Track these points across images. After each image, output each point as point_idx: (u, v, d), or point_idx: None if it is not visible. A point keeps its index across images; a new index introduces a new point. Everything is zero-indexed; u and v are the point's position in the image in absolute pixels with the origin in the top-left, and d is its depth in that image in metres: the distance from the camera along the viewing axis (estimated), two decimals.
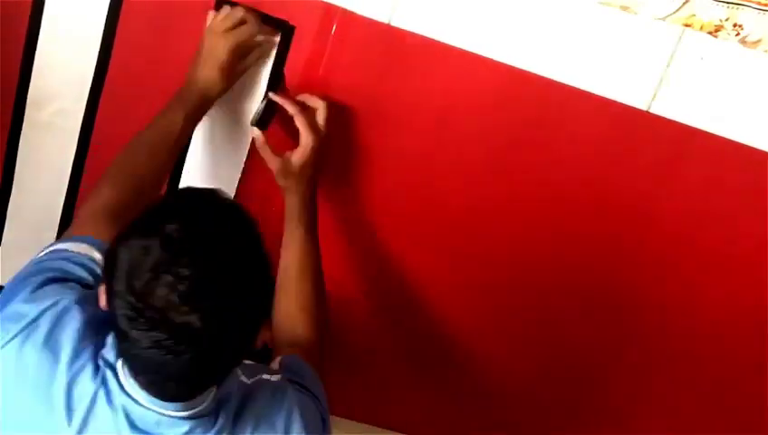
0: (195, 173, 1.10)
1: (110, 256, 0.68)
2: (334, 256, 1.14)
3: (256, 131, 1.01)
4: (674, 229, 1.11)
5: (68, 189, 1.10)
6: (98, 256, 0.80)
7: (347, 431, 1.28)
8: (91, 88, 1.03)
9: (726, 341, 1.18)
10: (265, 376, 0.83)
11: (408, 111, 1.06)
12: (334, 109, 1.02)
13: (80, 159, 1.08)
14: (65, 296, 0.75)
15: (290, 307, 0.99)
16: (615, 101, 1.03)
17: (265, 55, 1.01)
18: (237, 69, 0.99)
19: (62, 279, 0.78)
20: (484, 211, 1.12)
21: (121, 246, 0.66)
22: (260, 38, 1.00)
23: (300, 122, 0.99)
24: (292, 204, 1.01)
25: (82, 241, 0.83)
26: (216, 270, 0.65)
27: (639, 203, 1.10)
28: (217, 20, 0.97)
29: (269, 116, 1.03)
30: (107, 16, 0.99)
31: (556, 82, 1.03)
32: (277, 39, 1.01)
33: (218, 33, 0.97)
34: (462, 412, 1.27)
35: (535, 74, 1.02)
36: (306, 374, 0.90)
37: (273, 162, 1.00)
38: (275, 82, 1.03)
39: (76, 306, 0.75)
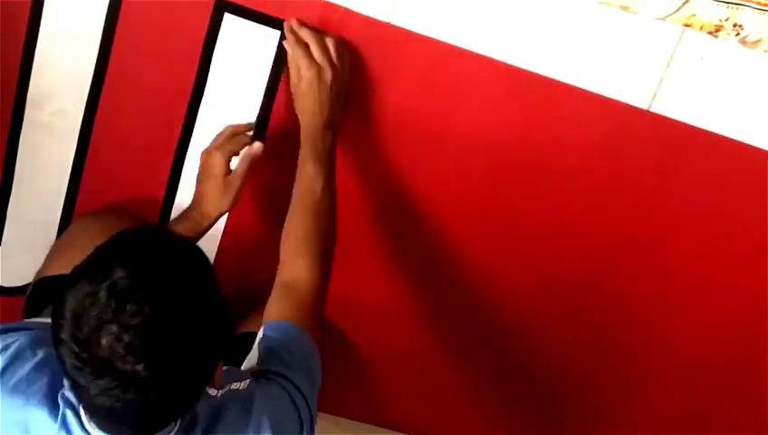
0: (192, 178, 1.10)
1: (56, 301, 0.65)
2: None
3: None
4: (674, 228, 1.11)
5: (68, 189, 1.10)
6: None
7: (347, 431, 1.29)
8: (91, 88, 1.03)
9: (726, 340, 1.18)
10: (234, 385, 0.80)
11: (407, 110, 1.05)
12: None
13: (79, 158, 1.08)
14: (18, 338, 0.76)
15: (290, 240, 0.96)
16: (615, 101, 1.03)
17: (254, 159, 1.02)
18: (233, 181, 1.00)
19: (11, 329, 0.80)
20: (484, 210, 1.12)
21: (68, 292, 0.64)
22: (254, 146, 1.01)
23: (292, 57, 0.97)
24: (301, 133, 0.98)
25: None
26: (165, 318, 0.63)
27: (639, 202, 1.10)
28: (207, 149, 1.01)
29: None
30: (106, 15, 0.99)
31: (556, 81, 1.03)
32: (258, 146, 1.02)
33: (210, 151, 1.00)
34: (462, 412, 1.27)
35: (535, 73, 1.02)
36: (293, 354, 0.86)
37: (292, 83, 0.99)
38: (275, 83, 1.03)
39: (28, 350, 0.75)
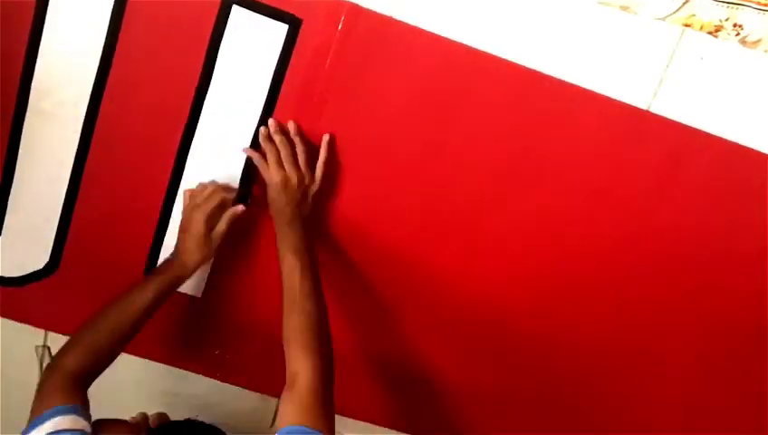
0: (198, 165, 1.10)
1: None
2: (335, 253, 1.15)
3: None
4: (673, 228, 1.10)
5: (70, 179, 1.10)
6: (83, 422, 0.91)
7: (347, 431, 1.28)
8: (96, 78, 1.03)
9: (726, 340, 1.16)
10: None
11: (413, 107, 1.06)
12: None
13: (83, 149, 1.08)
14: None
15: (284, 342, 1.00)
16: (615, 101, 1.03)
17: (235, 218, 1.08)
18: (213, 238, 1.06)
19: None
20: (486, 208, 1.12)
21: None
22: (236, 209, 1.07)
23: (259, 163, 1.05)
24: (275, 230, 1.07)
25: (64, 413, 0.91)
26: None
27: (639, 202, 1.09)
28: (189, 197, 1.07)
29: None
30: (113, 6, 0.99)
31: (556, 80, 1.03)
32: (240, 208, 1.07)
33: (191, 208, 1.06)
34: (461, 412, 1.26)
35: (535, 72, 1.03)
36: None
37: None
38: (280, 77, 1.04)
39: None
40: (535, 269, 1.15)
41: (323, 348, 0.99)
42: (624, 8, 1.02)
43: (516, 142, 1.08)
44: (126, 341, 1.04)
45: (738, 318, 1.14)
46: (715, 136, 1.05)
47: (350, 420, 1.29)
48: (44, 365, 1.22)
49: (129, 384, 1.27)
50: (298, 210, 1.05)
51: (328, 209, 1.12)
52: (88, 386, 1.00)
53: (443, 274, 1.16)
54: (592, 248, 1.13)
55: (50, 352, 1.22)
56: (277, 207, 1.05)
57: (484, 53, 1.02)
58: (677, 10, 1.01)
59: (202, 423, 1.07)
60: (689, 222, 1.10)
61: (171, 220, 1.13)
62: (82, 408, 0.94)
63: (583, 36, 1.02)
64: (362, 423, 1.29)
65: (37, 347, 1.23)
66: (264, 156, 1.05)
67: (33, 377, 1.23)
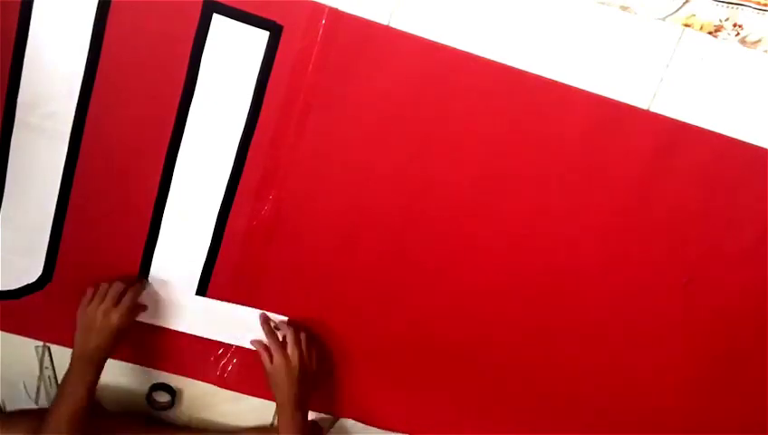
0: (186, 174, 1.09)
1: None
2: (335, 252, 1.14)
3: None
4: (673, 229, 1.11)
5: (60, 192, 1.08)
6: None
7: (348, 431, 1.29)
8: (81, 90, 1.02)
9: (724, 340, 1.18)
10: None
11: (398, 109, 1.05)
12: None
13: (71, 161, 1.06)
14: None
15: None
16: (615, 101, 1.03)
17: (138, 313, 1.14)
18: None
19: None
20: (480, 211, 1.11)
21: None
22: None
23: (259, 347, 1.13)
24: (277, 407, 1.12)
25: None
26: None
27: (638, 202, 1.10)
28: (95, 305, 1.09)
29: None
30: (95, 18, 0.98)
31: (556, 81, 1.02)
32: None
33: (106, 309, 1.08)
34: (461, 412, 1.27)
35: (534, 74, 1.02)
36: None
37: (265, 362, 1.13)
38: (263, 84, 1.04)
39: None
40: (532, 269, 1.15)
41: None
42: (624, 8, 1.01)
43: (504, 142, 1.07)
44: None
45: (736, 314, 1.16)
46: (714, 135, 1.05)
47: (349, 422, 1.29)
48: (44, 365, 1.22)
49: (129, 385, 1.27)
50: (299, 394, 1.11)
51: (313, 214, 1.11)
52: None
53: (431, 274, 1.16)
54: (585, 245, 1.13)
55: (50, 353, 1.22)
56: (280, 386, 1.11)
57: (467, 53, 1.01)
58: (677, 10, 1.00)
59: None
60: (689, 221, 1.10)
61: (161, 229, 1.12)
62: None
63: (583, 36, 1.02)
64: (360, 425, 1.30)
65: (37, 347, 1.22)
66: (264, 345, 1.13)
67: (34, 377, 1.23)
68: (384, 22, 1.00)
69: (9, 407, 1.27)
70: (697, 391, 1.22)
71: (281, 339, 1.14)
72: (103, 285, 1.11)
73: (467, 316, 1.19)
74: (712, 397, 1.22)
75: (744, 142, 1.05)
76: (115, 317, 1.07)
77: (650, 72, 1.03)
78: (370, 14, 0.99)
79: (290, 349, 1.11)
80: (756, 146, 1.06)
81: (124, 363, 1.22)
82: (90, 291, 1.10)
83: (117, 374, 1.21)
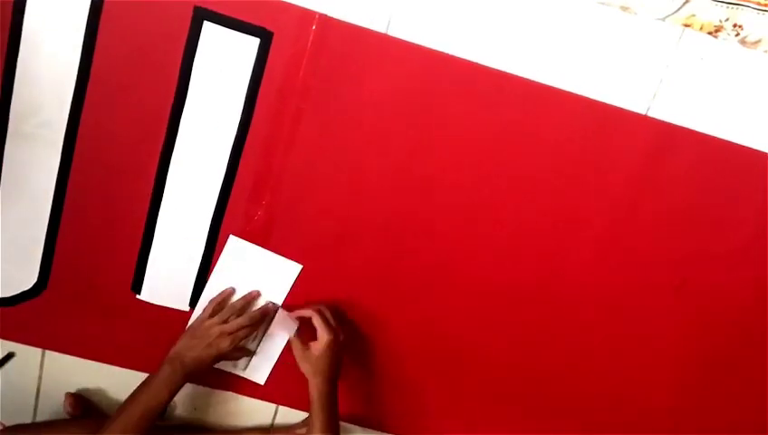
0: (179, 180, 1.08)
1: None
2: (328, 256, 1.13)
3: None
4: (668, 231, 1.11)
5: (54, 199, 1.07)
6: None
7: (348, 431, 1.29)
8: (73, 98, 1.01)
9: (717, 342, 1.18)
10: None
11: (390, 114, 1.04)
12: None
13: (65, 169, 1.05)
14: None
15: None
16: (611, 106, 1.03)
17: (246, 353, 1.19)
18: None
19: None
20: (475, 216, 1.11)
21: None
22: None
23: (317, 322, 1.10)
24: (311, 394, 1.09)
25: None
26: None
27: (638, 202, 1.09)
28: (215, 312, 1.11)
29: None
30: (86, 26, 0.98)
31: (551, 87, 1.02)
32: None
33: (220, 329, 1.08)
34: (458, 413, 1.27)
35: (528, 79, 1.02)
36: None
37: (297, 349, 1.11)
38: (253, 97, 1.03)
39: None
40: (522, 271, 1.14)
41: None
42: (624, 8, 1.00)
43: (497, 148, 1.06)
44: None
45: (730, 316, 1.16)
46: (714, 136, 1.05)
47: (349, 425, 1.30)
48: (44, 365, 1.22)
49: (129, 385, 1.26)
50: (338, 372, 1.11)
51: (306, 219, 1.10)
52: None
53: (424, 277, 1.15)
54: (580, 247, 1.12)
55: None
56: (321, 367, 1.09)
57: (455, 57, 1.01)
58: (677, 10, 0.99)
59: None
60: (688, 222, 1.10)
61: (155, 236, 1.12)
62: None
63: (583, 36, 1.01)
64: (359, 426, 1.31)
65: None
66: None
67: (34, 377, 1.22)
68: (375, 28, 0.99)
69: (9, 408, 1.27)
70: (691, 391, 1.22)
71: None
72: (231, 305, 1.12)
73: (462, 319, 1.18)
74: (705, 397, 1.23)
75: (738, 145, 1.05)
76: (226, 343, 1.08)
77: (650, 73, 1.02)
78: (361, 21, 0.99)
79: (333, 323, 1.11)
80: (751, 148, 1.06)
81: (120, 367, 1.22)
82: (211, 304, 1.12)
83: (114, 377, 1.21)
